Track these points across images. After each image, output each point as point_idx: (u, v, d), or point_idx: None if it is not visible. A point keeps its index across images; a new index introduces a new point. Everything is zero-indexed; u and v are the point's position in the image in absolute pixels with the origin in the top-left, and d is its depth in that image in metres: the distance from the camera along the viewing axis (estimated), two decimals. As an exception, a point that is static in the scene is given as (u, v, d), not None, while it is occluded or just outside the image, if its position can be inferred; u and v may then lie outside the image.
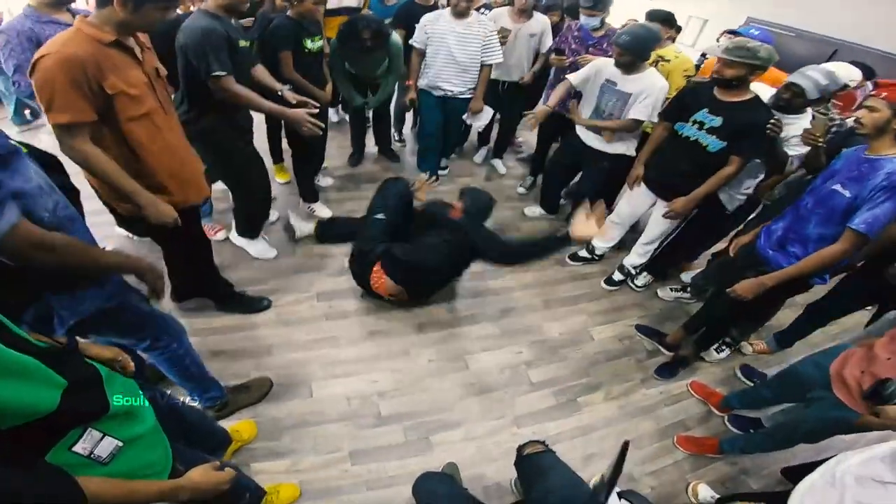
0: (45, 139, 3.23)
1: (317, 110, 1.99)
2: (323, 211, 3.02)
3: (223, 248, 2.65)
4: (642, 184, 2.49)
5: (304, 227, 2.77)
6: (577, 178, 3.14)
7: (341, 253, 2.73)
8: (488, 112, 3.08)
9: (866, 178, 1.53)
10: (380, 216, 2.31)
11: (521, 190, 3.62)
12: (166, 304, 2.21)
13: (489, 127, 3.74)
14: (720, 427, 2.12)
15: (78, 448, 0.72)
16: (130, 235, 2.58)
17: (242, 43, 1.91)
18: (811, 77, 1.95)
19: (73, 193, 1.15)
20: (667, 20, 2.78)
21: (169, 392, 1.32)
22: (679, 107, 2.22)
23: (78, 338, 0.97)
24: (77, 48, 1.19)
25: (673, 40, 2.88)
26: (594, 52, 2.81)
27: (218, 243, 2.67)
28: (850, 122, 2.01)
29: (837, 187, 1.61)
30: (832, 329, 2.58)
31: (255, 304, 2.32)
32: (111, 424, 0.79)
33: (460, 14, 2.68)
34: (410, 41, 2.84)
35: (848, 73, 2.21)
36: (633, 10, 4.35)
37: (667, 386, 2.28)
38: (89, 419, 0.75)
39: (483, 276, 2.70)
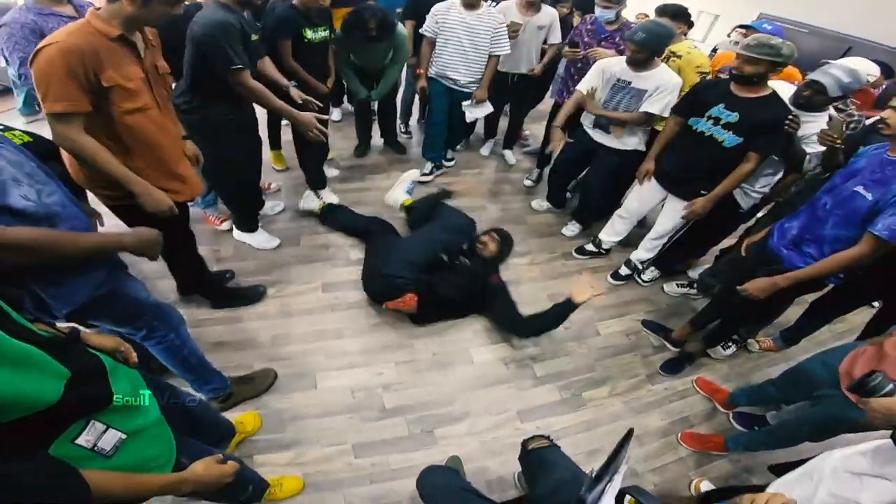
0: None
1: (323, 116, 1.99)
2: (330, 197, 3.02)
3: (227, 238, 2.64)
4: (652, 179, 2.46)
5: (312, 203, 2.80)
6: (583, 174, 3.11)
7: (347, 244, 2.72)
8: (487, 106, 3.08)
9: (891, 181, 1.48)
10: (431, 243, 2.41)
11: (528, 182, 3.60)
12: (169, 296, 2.20)
13: (496, 119, 3.72)
14: (725, 424, 2.11)
15: (81, 440, 0.71)
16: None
17: (254, 37, 1.90)
18: (833, 75, 1.89)
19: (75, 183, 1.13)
20: (678, 14, 2.72)
21: (173, 383, 1.31)
22: (692, 102, 2.18)
23: (80, 327, 0.96)
24: (79, 39, 1.19)
25: (685, 35, 2.82)
26: (606, 46, 2.76)
27: (222, 234, 2.66)
28: (868, 120, 1.96)
29: (860, 189, 1.56)
30: (839, 327, 2.56)
31: (252, 296, 2.30)
32: (115, 416, 0.78)
33: (470, 5, 2.67)
34: (421, 30, 2.83)
35: (866, 68, 2.16)
36: (643, 5, 4.26)
37: (672, 382, 2.27)
38: (93, 410, 0.74)
39: (489, 270, 2.68)
